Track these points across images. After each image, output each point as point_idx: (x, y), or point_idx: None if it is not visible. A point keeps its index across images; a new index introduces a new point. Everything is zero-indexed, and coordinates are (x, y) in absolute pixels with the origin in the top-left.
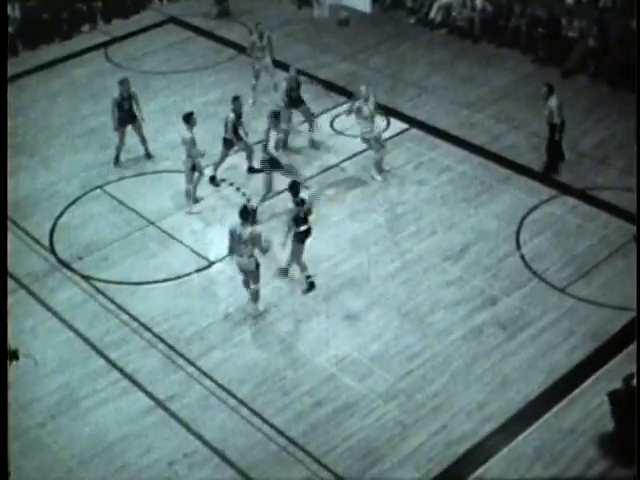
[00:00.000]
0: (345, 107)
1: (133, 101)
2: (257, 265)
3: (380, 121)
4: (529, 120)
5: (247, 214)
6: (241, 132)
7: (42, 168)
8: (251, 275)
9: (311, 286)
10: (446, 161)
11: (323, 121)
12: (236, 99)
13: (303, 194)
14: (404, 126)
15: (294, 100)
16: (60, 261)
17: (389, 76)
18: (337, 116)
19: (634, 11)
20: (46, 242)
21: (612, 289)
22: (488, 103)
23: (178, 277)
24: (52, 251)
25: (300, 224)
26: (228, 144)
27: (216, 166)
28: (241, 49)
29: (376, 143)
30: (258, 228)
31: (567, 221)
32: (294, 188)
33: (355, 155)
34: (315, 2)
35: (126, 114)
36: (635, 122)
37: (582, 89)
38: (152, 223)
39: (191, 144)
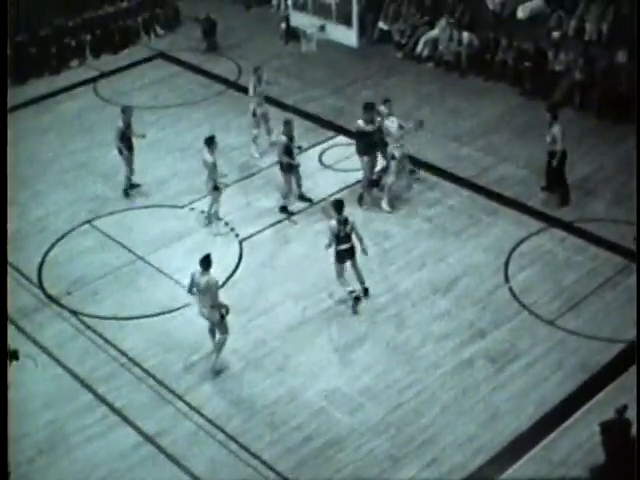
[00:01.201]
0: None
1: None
2: (222, 316)
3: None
4: (517, 153)
5: (208, 263)
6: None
7: (31, 202)
8: (217, 325)
9: (357, 300)
10: (434, 194)
11: (312, 155)
12: None
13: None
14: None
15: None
16: (49, 296)
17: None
18: (326, 150)
19: (619, 43)
20: (35, 277)
21: (601, 321)
22: (476, 136)
23: (167, 312)
24: (41, 286)
25: (341, 242)
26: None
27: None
28: (229, 84)
29: (399, 163)
30: (214, 279)
31: (555, 253)
32: (338, 206)
33: (343, 189)
34: (303, 37)
35: (128, 142)
36: (621, 154)
37: (569, 122)
38: (141, 258)
39: (212, 167)
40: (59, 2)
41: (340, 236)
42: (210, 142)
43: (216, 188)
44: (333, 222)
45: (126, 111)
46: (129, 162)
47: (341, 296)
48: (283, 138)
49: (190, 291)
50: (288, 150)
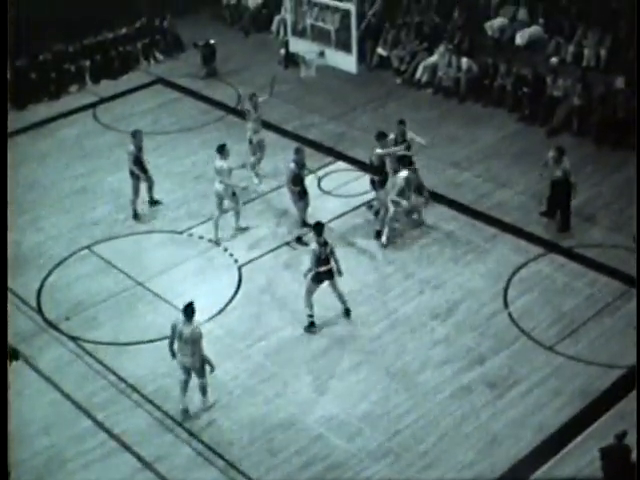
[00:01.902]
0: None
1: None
2: (203, 362)
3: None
4: (515, 178)
5: (191, 311)
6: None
7: (30, 228)
8: (196, 371)
9: (311, 325)
10: (433, 220)
11: (311, 181)
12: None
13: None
14: None
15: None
16: (47, 322)
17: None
18: (324, 176)
19: (617, 69)
20: (33, 302)
21: (600, 347)
22: (474, 162)
23: (166, 337)
24: (39, 312)
25: (321, 264)
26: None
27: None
28: (229, 110)
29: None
30: (199, 330)
31: (554, 279)
32: (318, 229)
33: (342, 215)
34: (302, 62)
35: (141, 165)
36: (620, 180)
37: (567, 148)
38: (140, 283)
39: (228, 173)
40: (59, 28)
41: (321, 258)
42: (222, 149)
43: (234, 194)
44: (314, 245)
45: (136, 135)
46: (138, 187)
47: (341, 322)
48: (292, 165)
49: (171, 345)
50: (298, 178)
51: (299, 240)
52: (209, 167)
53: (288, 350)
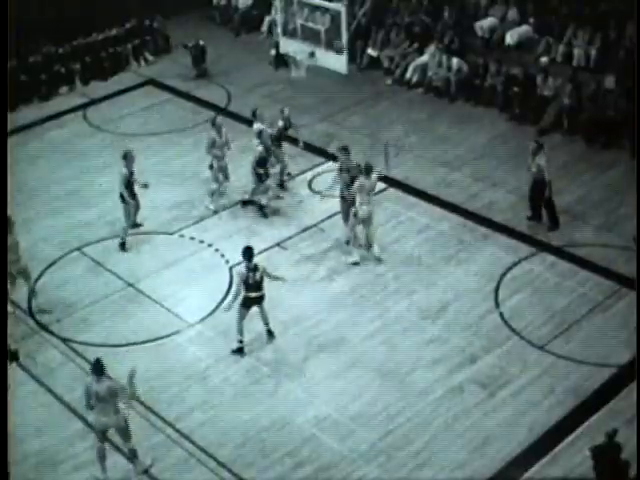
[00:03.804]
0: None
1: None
2: (126, 421)
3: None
4: (506, 178)
5: (101, 368)
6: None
7: (21, 230)
8: (120, 433)
9: (240, 351)
10: (424, 220)
11: (301, 182)
12: None
13: (258, 261)
14: (382, 186)
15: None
16: (39, 323)
17: (367, 136)
18: (315, 176)
19: (607, 69)
20: (24, 304)
21: (592, 346)
22: (465, 162)
23: (157, 339)
24: (30, 314)
25: (250, 290)
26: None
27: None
28: (219, 110)
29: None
30: (115, 382)
31: (546, 278)
32: (248, 253)
33: (333, 215)
34: (292, 63)
35: (132, 190)
36: (610, 180)
37: (557, 147)
38: (131, 285)
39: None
40: (48, 29)
41: (249, 283)
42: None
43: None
44: (242, 269)
45: (127, 157)
46: (130, 212)
47: (332, 322)
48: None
49: (88, 405)
50: (263, 160)
51: (244, 204)
52: (200, 168)
53: (280, 351)
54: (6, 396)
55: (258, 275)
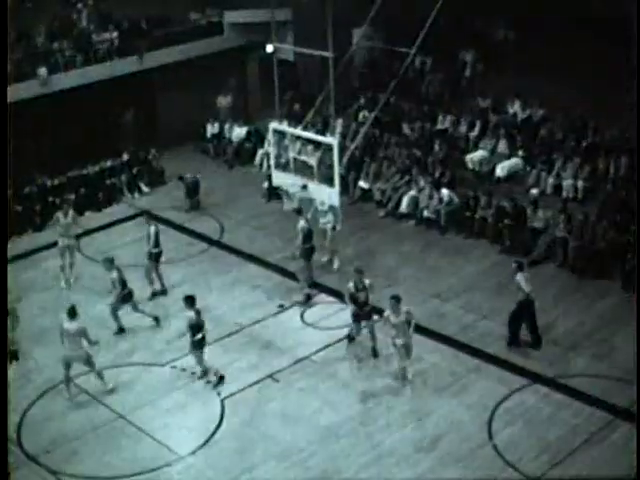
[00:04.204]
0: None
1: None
2: (87, 353)
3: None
4: (498, 309)
5: (74, 312)
6: None
7: (12, 359)
8: (85, 362)
9: (221, 379)
10: (416, 351)
11: (294, 313)
12: None
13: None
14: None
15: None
16: (27, 455)
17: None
18: (308, 308)
19: (595, 200)
20: (13, 435)
21: (587, 477)
22: (457, 293)
23: (148, 471)
24: (19, 444)
25: (197, 332)
26: None
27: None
28: (212, 242)
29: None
30: (83, 325)
31: (539, 410)
32: (190, 301)
33: (326, 347)
34: (284, 195)
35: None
36: (601, 310)
37: (549, 278)
38: (122, 416)
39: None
40: (44, 161)
41: (199, 325)
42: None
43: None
44: (191, 313)
45: (112, 262)
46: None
47: (324, 455)
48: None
49: (62, 340)
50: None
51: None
52: None
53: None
54: (6, 396)
55: (201, 317)
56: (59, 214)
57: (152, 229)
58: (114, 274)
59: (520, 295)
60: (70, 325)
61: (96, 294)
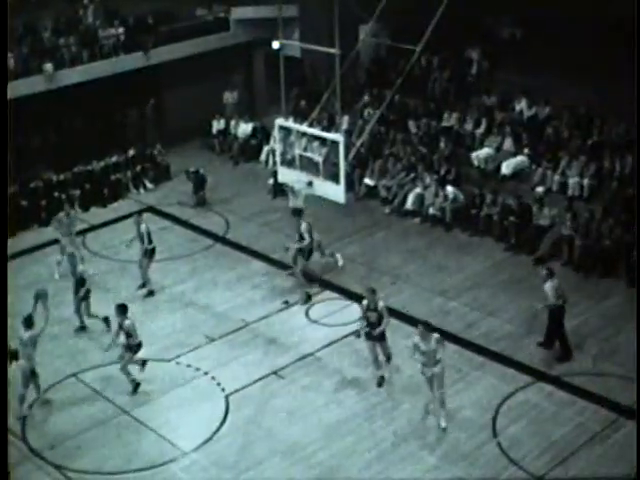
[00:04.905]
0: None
1: None
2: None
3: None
4: (503, 307)
5: (31, 322)
6: None
7: (12, 360)
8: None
9: (136, 387)
10: None
11: (298, 310)
12: None
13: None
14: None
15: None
16: (31, 450)
17: (363, 264)
18: (312, 305)
19: (600, 198)
20: (18, 430)
21: (590, 476)
22: (462, 291)
23: (151, 467)
24: (23, 439)
25: (130, 337)
26: None
27: None
28: (217, 238)
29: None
30: (36, 332)
31: (543, 408)
32: (122, 309)
33: (330, 344)
34: (290, 192)
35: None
36: (606, 309)
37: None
38: (126, 412)
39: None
40: (49, 156)
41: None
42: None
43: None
44: (128, 322)
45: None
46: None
47: (328, 452)
48: (364, 303)
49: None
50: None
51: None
52: (197, 295)
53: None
54: (6, 396)
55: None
56: (61, 214)
57: (143, 227)
58: None
59: (548, 303)
60: (24, 334)
61: (102, 290)
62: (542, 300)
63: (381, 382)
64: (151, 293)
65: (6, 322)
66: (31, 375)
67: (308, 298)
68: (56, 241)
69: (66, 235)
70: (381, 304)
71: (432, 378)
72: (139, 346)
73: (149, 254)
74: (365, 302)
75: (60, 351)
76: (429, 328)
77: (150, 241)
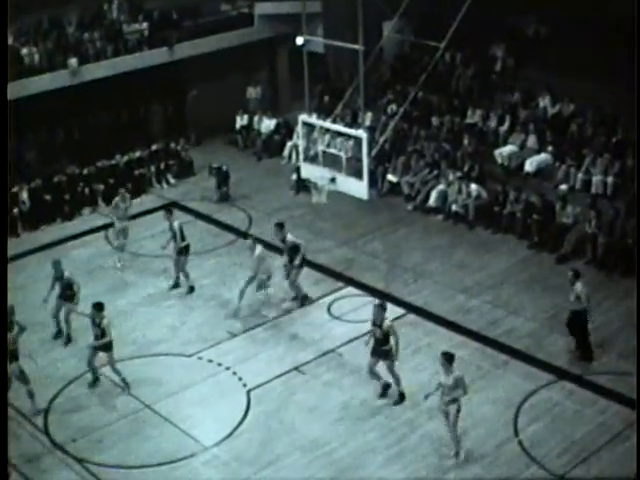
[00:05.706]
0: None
1: None
2: (20, 368)
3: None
4: (525, 305)
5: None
6: None
7: (39, 349)
8: (18, 378)
9: (96, 380)
10: (443, 347)
11: (321, 306)
12: None
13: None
14: (400, 311)
15: None
16: (54, 443)
17: (386, 262)
18: (335, 300)
19: (624, 196)
20: (40, 423)
21: (611, 475)
22: (484, 288)
23: (172, 461)
24: (46, 432)
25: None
26: None
27: None
28: (240, 234)
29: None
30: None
31: (565, 407)
32: (99, 307)
33: (352, 340)
34: (313, 188)
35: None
36: (628, 308)
37: None
38: (147, 406)
39: None
40: (73, 151)
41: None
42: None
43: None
44: (105, 320)
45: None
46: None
47: (350, 448)
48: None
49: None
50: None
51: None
52: (219, 290)
53: (295, 478)
54: (6, 396)
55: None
56: (117, 199)
57: (176, 224)
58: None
59: (577, 305)
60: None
61: (127, 285)
62: (574, 302)
63: (385, 391)
64: (192, 289)
65: (6, 321)
66: (20, 373)
67: (305, 298)
68: (78, 235)
69: (123, 219)
70: (387, 323)
71: (447, 413)
72: (111, 344)
73: (184, 252)
74: (373, 317)
75: (82, 344)
76: (451, 360)
77: (183, 238)
